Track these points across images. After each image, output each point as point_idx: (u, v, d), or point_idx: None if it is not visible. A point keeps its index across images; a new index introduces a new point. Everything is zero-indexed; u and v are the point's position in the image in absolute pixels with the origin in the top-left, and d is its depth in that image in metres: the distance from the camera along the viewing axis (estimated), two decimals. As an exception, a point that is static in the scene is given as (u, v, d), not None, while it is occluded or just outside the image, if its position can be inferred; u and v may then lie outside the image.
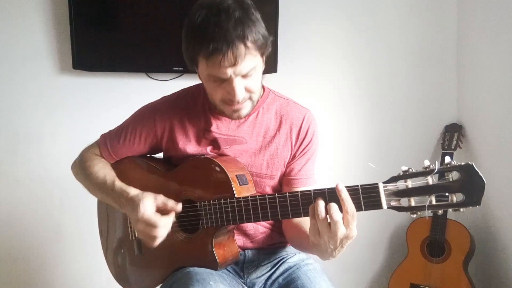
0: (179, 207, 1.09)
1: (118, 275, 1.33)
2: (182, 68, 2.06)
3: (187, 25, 1.04)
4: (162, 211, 1.08)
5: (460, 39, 2.23)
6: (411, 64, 2.26)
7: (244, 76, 1.05)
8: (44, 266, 2.14)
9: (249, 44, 1.00)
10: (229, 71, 1.02)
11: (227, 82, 1.05)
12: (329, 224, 0.92)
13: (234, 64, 1.00)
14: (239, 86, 1.05)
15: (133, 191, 1.12)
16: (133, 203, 1.08)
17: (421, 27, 2.24)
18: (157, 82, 2.12)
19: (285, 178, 1.24)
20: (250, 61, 1.03)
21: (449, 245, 2.00)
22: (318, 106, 1.83)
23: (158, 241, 1.08)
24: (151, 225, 1.05)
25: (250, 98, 1.11)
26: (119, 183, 1.17)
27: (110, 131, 1.30)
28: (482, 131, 2.09)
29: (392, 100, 2.27)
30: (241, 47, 0.99)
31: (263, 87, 1.23)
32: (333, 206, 0.92)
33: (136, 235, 1.16)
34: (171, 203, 1.09)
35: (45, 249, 2.14)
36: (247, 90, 1.08)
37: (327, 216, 0.92)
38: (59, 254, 2.15)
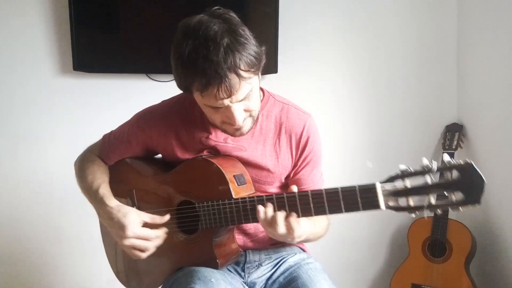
0: (166, 217, 1.12)
1: (120, 276, 1.33)
2: (182, 69, 2.05)
3: (175, 54, 1.00)
4: (150, 225, 1.10)
5: (460, 39, 2.22)
6: (411, 63, 2.25)
7: (242, 99, 1.02)
8: (44, 268, 2.14)
9: (241, 72, 0.97)
10: (226, 101, 1.00)
11: (225, 108, 1.03)
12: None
13: (230, 95, 0.98)
14: (238, 112, 1.03)
15: (112, 203, 1.13)
16: (112, 216, 1.10)
17: (421, 27, 2.24)
18: (158, 83, 2.11)
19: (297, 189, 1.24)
20: (245, 87, 1.00)
21: (450, 245, 2.00)
22: (318, 106, 1.83)
23: (148, 254, 1.11)
24: (144, 238, 1.08)
25: (251, 115, 1.09)
26: (102, 191, 1.16)
27: (111, 132, 1.30)
28: (483, 131, 2.08)
29: (392, 100, 2.27)
30: (234, 78, 0.96)
31: (262, 91, 1.21)
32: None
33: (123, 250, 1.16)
34: (158, 218, 1.11)
35: (45, 251, 2.13)
36: (247, 110, 1.06)
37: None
38: (59, 256, 2.14)
